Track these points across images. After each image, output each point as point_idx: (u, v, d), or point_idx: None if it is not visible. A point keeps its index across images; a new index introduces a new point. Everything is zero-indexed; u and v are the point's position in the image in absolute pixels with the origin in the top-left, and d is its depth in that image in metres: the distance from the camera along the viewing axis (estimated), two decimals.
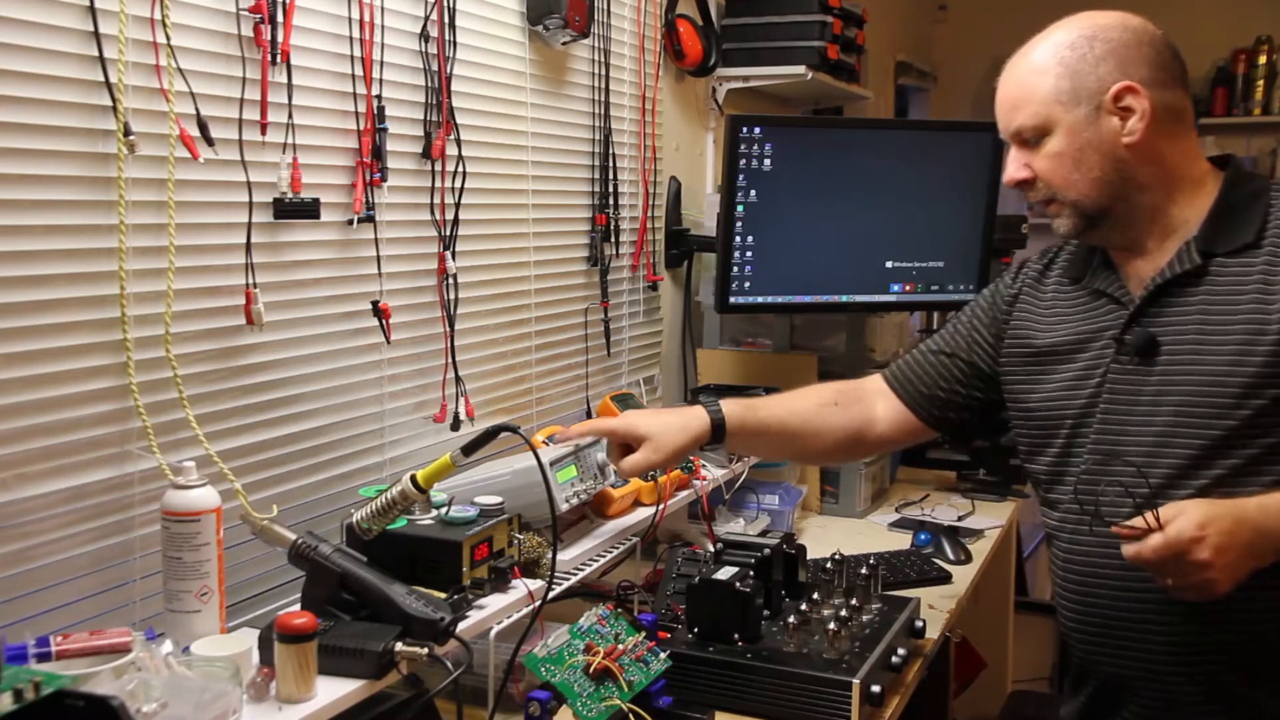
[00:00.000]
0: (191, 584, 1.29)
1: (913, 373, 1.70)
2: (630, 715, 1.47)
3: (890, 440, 1.75)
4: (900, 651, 1.70)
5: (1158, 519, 1.24)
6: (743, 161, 2.43)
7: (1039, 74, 1.41)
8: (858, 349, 2.76)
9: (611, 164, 2.40)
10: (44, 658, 1.10)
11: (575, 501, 1.72)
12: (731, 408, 1.63)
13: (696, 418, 1.60)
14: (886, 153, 2.55)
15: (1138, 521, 1.24)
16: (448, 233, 1.89)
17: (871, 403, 1.72)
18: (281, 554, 1.38)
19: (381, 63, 1.72)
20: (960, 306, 1.72)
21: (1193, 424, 1.36)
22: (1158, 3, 4.61)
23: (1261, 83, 4.42)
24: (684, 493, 2.09)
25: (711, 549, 1.86)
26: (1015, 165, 1.46)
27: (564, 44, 2.22)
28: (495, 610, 1.46)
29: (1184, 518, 1.23)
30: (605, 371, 2.47)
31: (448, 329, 1.90)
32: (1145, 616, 1.40)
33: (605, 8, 2.34)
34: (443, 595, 1.38)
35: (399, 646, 1.25)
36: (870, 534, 2.54)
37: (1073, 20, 1.43)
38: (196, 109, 1.40)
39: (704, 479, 2.16)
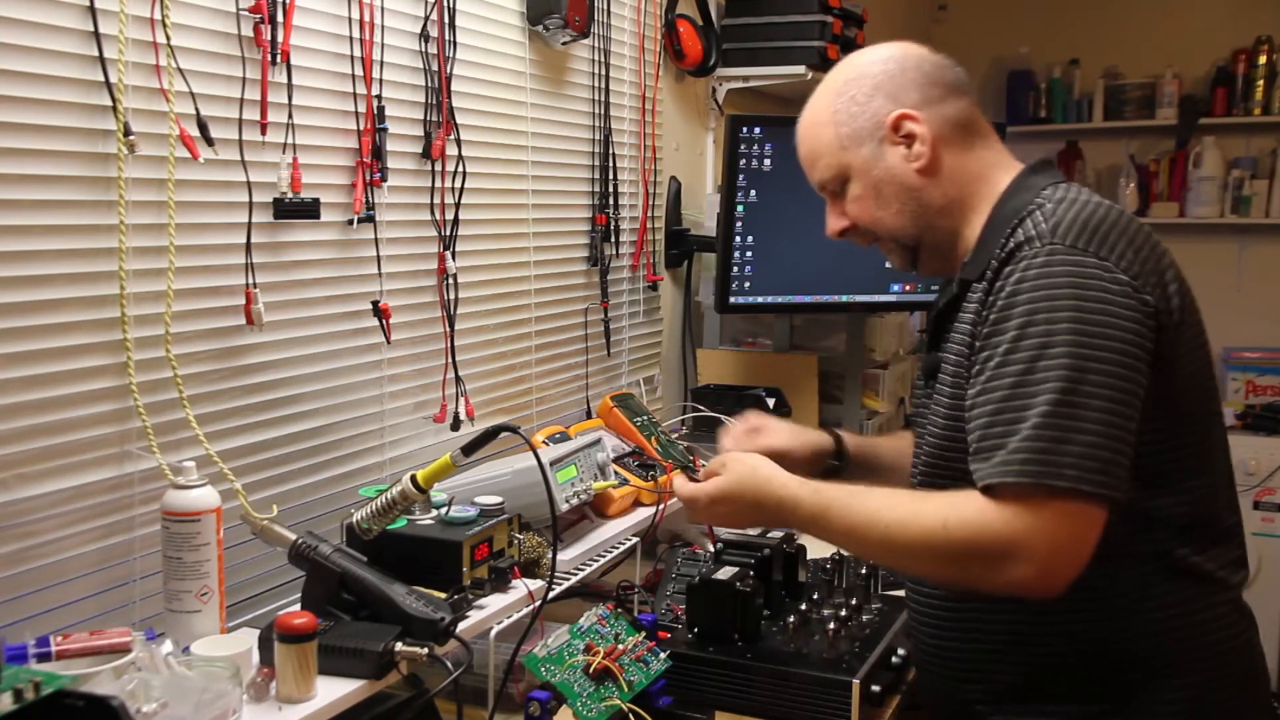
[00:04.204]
0: (191, 584, 1.29)
1: None
2: (630, 715, 1.47)
3: None
4: (900, 651, 1.70)
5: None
6: (743, 161, 2.43)
7: (820, 127, 1.44)
8: (858, 349, 2.76)
9: (611, 164, 2.40)
10: (44, 658, 1.10)
11: (575, 501, 1.72)
12: (852, 438, 1.69)
13: (819, 433, 1.68)
14: None
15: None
16: (448, 233, 1.89)
17: None
18: (281, 554, 1.38)
19: (381, 63, 1.72)
20: None
21: (929, 453, 1.38)
22: (1158, 3, 4.63)
23: (1261, 83, 4.41)
24: None
25: (711, 549, 1.86)
26: (833, 218, 1.48)
27: (564, 44, 2.22)
28: (495, 610, 1.46)
29: (714, 480, 1.43)
30: (605, 371, 2.47)
31: (448, 329, 1.90)
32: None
33: (605, 8, 2.34)
34: (443, 595, 1.38)
35: (399, 646, 1.25)
36: None
37: (837, 68, 1.46)
38: (196, 109, 1.40)
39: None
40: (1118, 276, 1.22)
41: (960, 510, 1.22)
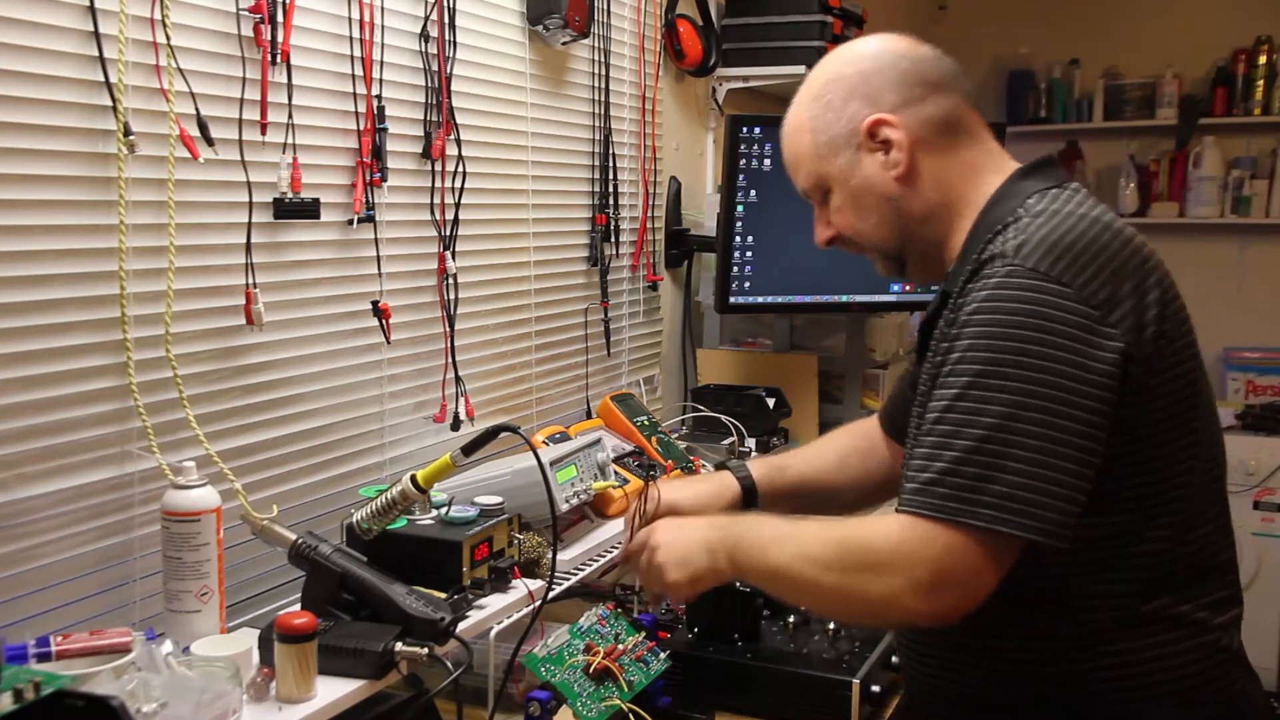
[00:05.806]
0: (191, 584, 1.29)
1: (895, 409, 1.62)
2: (630, 715, 1.47)
3: None
4: None
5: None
6: (743, 161, 2.43)
7: (799, 134, 1.37)
8: (858, 349, 2.76)
9: (611, 164, 2.40)
10: (44, 658, 1.10)
11: (575, 501, 1.72)
12: (760, 470, 1.62)
13: (728, 486, 1.59)
14: None
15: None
16: (448, 233, 1.89)
17: (883, 447, 1.65)
18: (281, 554, 1.38)
19: (381, 63, 1.72)
20: None
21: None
22: (1158, 3, 4.63)
23: (1261, 83, 4.41)
24: None
25: None
26: (820, 226, 1.43)
27: (564, 44, 2.22)
28: (495, 610, 1.46)
29: (647, 531, 1.40)
30: (605, 371, 2.47)
31: (448, 329, 1.90)
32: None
33: (605, 8, 2.34)
34: (443, 595, 1.38)
35: (399, 646, 1.25)
36: None
37: (818, 67, 1.38)
38: (196, 109, 1.40)
39: None
40: (1077, 306, 1.15)
41: (863, 524, 1.24)
